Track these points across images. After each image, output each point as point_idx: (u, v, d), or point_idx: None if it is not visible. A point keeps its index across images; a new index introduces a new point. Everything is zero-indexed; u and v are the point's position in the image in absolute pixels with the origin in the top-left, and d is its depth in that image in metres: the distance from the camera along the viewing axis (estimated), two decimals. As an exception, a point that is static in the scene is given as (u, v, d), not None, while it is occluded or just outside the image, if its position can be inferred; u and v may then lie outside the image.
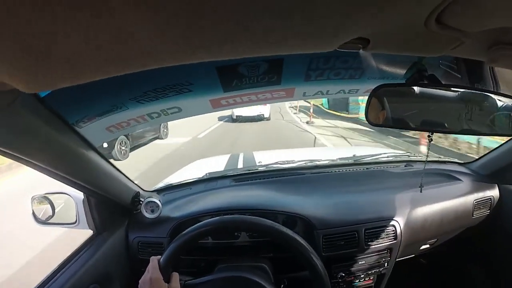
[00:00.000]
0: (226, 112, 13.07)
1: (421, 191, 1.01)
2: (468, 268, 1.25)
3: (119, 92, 0.74)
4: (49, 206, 0.99)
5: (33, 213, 0.98)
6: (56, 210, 1.00)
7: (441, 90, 0.76)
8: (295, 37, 0.29)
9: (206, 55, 0.32)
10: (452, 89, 0.74)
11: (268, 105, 9.86)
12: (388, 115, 0.82)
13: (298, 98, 0.95)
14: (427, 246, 1.08)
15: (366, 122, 0.72)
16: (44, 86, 0.35)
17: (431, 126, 0.80)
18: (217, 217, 0.77)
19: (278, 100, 0.94)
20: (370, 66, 0.88)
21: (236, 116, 10.32)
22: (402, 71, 0.89)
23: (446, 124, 0.79)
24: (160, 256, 0.68)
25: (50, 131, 0.58)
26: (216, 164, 1.78)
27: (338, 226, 0.91)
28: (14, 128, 0.49)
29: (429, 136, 0.86)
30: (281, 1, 0.23)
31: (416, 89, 0.77)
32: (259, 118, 10.16)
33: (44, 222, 0.99)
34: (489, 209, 1.09)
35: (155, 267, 0.64)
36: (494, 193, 1.10)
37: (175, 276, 0.66)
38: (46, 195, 1.00)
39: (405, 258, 1.04)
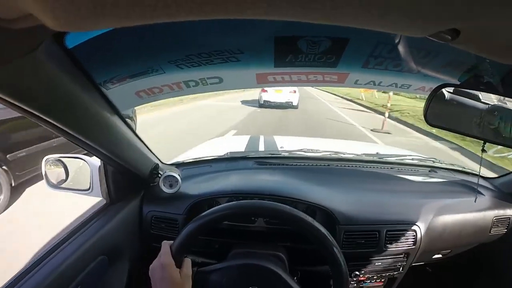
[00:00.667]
0: (250, 96, 12.91)
1: (475, 201, 0.99)
2: (475, 284, 1.24)
3: (158, 53, 0.65)
4: (62, 169, 0.93)
5: (45, 176, 0.92)
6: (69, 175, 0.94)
7: (495, 101, 0.75)
8: (390, 15, 0.26)
9: (288, 11, 0.26)
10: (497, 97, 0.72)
11: (297, 92, 9.72)
12: (446, 117, 0.80)
13: (349, 85, 0.86)
14: (440, 256, 1.06)
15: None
16: (79, 24, 0.26)
17: (486, 136, 0.77)
18: (237, 202, 0.72)
19: (327, 84, 0.85)
20: (431, 63, 0.81)
21: (264, 101, 9.80)
22: (459, 73, 0.84)
23: (502, 136, 0.76)
24: (172, 242, 0.65)
25: (73, 88, 0.51)
26: (236, 144, 1.73)
27: (361, 224, 0.88)
28: (33, 79, 0.42)
29: (483, 147, 0.84)
30: None
31: (475, 95, 0.76)
32: (287, 106, 9.75)
33: (56, 186, 0.93)
34: (506, 228, 1.06)
35: (166, 252, 0.61)
36: None
37: (187, 262, 0.63)
38: (61, 158, 0.93)
39: (414, 264, 1.02)
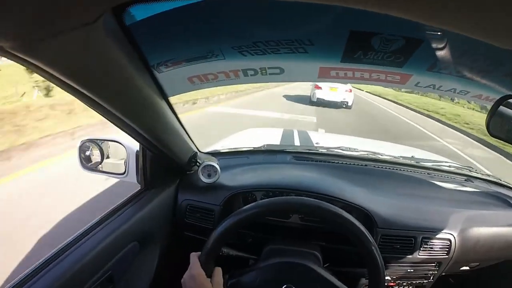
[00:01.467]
0: (292, 91, 12.01)
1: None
2: None
3: (223, 37, 0.60)
4: (98, 152, 0.90)
5: (80, 158, 0.89)
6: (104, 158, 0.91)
7: None
8: (485, 21, 0.25)
9: None
10: None
11: (352, 92, 8.94)
12: (509, 128, 0.75)
13: (409, 86, 0.82)
14: (467, 268, 1.04)
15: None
16: None
17: None
18: (276, 198, 0.70)
19: (388, 84, 0.81)
20: (494, 71, 0.78)
21: (318, 99, 8.78)
22: None
23: None
24: (199, 253, 0.65)
25: (125, 69, 0.49)
26: (271, 136, 1.71)
27: (398, 229, 0.87)
28: (86, 54, 0.40)
29: None
30: None
31: None
32: (342, 105, 8.86)
33: (91, 168, 0.91)
34: None
35: (195, 263, 0.62)
36: None
37: (218, 271, 0.64)
38: (97, 140, 0.89)
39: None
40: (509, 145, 0.83)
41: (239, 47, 0.62)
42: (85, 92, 0.45)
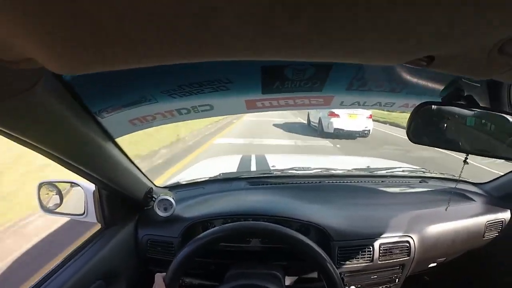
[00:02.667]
0: (284, 118, 10.44)
1: (446, 210, 1.00)
2: None
3: (151, 84, 0.68)
4: (57, 194, 0.94)
5: (39, 200, 0.93)
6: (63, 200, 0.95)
7: (476, 112, 0.75)
8: (367, 50, 0.29)
9: (275, 54, 0.29)
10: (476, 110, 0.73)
11: (371, 118, 7.67)
12: (428, 133, 0.82)
13: (335, 106, 0.90)
14: (435, 264, 1.08)
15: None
16: (79, 68, 0.29)
17: (468, 148, 0.79)
18: (229, 224, 0.74)
19: (314, 107, 0.89)
20: (412, 81, 0.85)
21: (335, 129, 7.23)
22: (439, 89, 0.86)
23: (483, 147, 0.79)
24: (164, 273, 0.68)
25: (69, 118, 0.53)
26: (228, 164, 1.75)
27: (354, 239, 0.90)
28: (32, 113, 0.44)
29: (466, 158, 0.86)
30: (358, 19, 0.22)
31: (456, 109, 0.76)
32: (362, 135, 7.51)
33: (51, 210, 0.94)
34: (499, 232, 1.09)
35: (160, 284, 0.64)
36: (505, 216, 1.10)
37: None
38: (55, 183, 0.94)
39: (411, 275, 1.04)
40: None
41: (167, 91, 0.70)
42: (34, 143, 0.49)
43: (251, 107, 0.81)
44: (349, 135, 7.39)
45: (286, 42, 0.26)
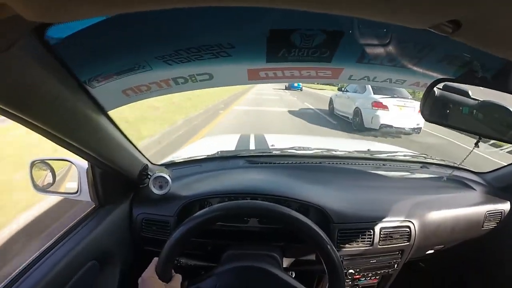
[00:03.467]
0: (306, 103, 9.12)
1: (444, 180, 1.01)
2: (468, 278, 1.25)
3: (145, 48, 0.63)
4: (49, 172, 0.90)
5: (32, 179, 0.89)
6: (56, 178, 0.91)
7: (491, 96, 0.74)
8: (391, 4, 0.26)
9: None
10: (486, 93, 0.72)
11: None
12: (443, 112, 0.80)
13: (343, 80, 0.85)
14: (432, 251, 1.07)
15: None
16: (56, 13, 0.25)
17: (482, 131, 0.77)
18: (229, 202, 0.71)
19: (321, 80, 0.84)
20: (426, 57, 0.80)
21: (382, 125, 5.67)
22: (453, 69, 0.83)
23: (498, 131, 0.78)
24: None
25: (56, 87, 0.49)
26: (226, 143, 1.72)
27: (355, 222, 0.88)
28: (13, 78, 0.39)
29: (477, 141, 0.84)
30: None
31: (471, 91, 0.76)
32: (415, 132, 5.92)
33: (43, 189, 0.90)
34: (497, 223, 1.08)
35: (151, 266, 0.63)
36: (505, 207, 1.08)
37: (177, 277, 0.65)
38: (47, 161, 0.90)
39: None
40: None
41: (162, 57, 0.64)
42: (17, 114, 0.45)
43: (254, 77, 0.76)
44: (398, 133, 5.79)
45: None
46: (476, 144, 0.85)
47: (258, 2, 0.25)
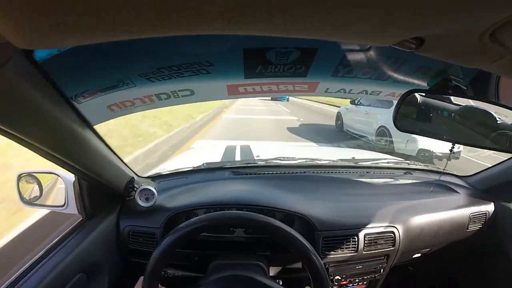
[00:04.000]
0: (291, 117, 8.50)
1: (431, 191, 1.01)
2: (456, 280, 1.27)
3: (128, 66, 0.66)
4: (36, 185, 0.91)
5: (19, 192, 0.90)
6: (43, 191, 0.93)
7: (461, 102, 0.75)
8: (353, 25, 0.27)
9: (252, 27, 0.26)
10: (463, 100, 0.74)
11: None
12: (415, 122, 0.81)
13: (319, 93, 0.89)
14: (419, 255, 1.09)
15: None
16: (44, 42, 0.27)
17: (453, 138, 0.80)
18: (212, 213, 0.73)
19: (298, 93, 0.88)
20: (400, 69, 0.84)
21: (421, 150, 4.28)
22: (427, 79, 0.87)
23: (467, 137, 0.79)
24: None
25: (44, 103, 0.51)
26: (212, 154, 1.74)
27: (339, 229, 0.90)
28: (2, 95, 0.42)
29: (451, 148, 0.87)
30: None
31: (442, 99, 0.77)
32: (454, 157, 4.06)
33: (30, 202, 0.91)
34: (482, 224, 1.10)
35: (138, 285, 0.66)
36: (489, 208, 1.11)
37: None
38: (34, 174, 0.91)
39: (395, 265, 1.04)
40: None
41: (145, 74, 0.68)
42: (5, 129, 0.47)
43: (233, 93, 0.80)
44: (436, 158, 4.37)
45: (266, 11, 0.23)
46: (451, 151, 0.88)
47: (246, 31, 0.27)
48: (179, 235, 0.68)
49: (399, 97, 0.96)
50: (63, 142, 0.62)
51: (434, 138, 0.89)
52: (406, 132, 0.84)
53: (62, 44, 0.27)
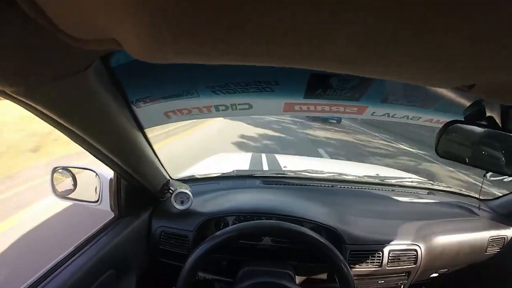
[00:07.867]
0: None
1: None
2: None
3: (199, 78, 0.65)
4: (71, 179, 0.90)
5: (52, 185, 0.88)
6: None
7: (497, 132, 0.75)
8: (411, 71, 0.29)
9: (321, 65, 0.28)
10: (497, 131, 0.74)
11: None
12: (455, 150, 0.85)
13: (366, 116, 0.91)
14: (437, 274, 1.12)
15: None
16: (164, 58, 0.26)
17: (490, 166, 0.83)
18: (250, 222, 0.75)
19: (347, 115, 0.89)
20: (444, 100, 0.87)
21: None
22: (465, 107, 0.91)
23: (502, 167, 0.81)
24: None
25: (108, 105, 0.52)
26: (239, 161, 1.76)
27: (365, 244, 0.92)
28: (77, 95, 0.42)
29: (485, 174, 0.90)
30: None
31: (478, 129, 0.78)
32: None
33: (63, 196, 0.90)
34: (500, 248, 1.14)
35: None
36: (508, 233, 1.14)
37: None
38: (70, 168, 0.89)
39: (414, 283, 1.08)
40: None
41: (212, 87, 0.67)
42: (66, 125, 0.47)
43: (289, 110, 0.80)
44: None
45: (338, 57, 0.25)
46: (485, 176, 0.91)
47: (302, 64, 0.28)
48: (217, 242, 0.70)
49: (435, 123, 1.01)
50: (114, 142, 0.63)
51: (471, 166, 0.93)
52: (446, 159, 0.87)
53: (174, 60, 0.27)
